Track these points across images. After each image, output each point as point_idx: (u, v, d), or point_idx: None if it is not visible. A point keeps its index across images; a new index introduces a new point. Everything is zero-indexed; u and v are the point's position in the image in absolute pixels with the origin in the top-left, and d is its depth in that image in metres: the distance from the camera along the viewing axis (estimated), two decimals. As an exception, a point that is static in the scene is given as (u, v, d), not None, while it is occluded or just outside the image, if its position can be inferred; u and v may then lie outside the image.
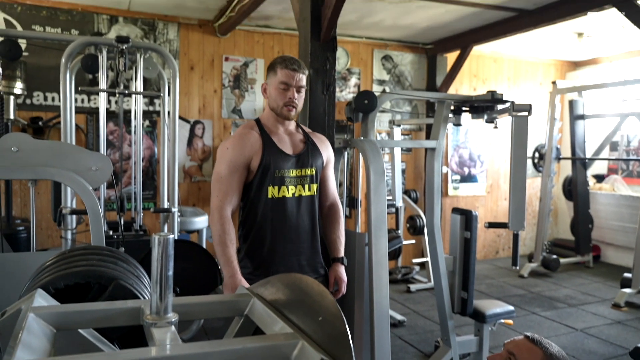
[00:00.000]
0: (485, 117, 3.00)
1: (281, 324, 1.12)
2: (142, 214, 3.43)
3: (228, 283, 1.93)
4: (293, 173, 2.04)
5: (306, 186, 2.07)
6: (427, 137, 6.20)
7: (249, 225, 2.06)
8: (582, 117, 6.04)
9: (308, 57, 2.73)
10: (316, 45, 2.73)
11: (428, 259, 5.51)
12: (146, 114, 4.78)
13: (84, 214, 2.93)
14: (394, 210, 4.96)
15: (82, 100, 4.70)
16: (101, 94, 3.30)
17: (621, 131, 6.04)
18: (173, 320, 1.09)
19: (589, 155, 6.11)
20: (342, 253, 2.19)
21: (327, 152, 2.20)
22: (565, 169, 6.53)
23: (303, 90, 2.05)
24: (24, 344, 0.88)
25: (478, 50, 6.07)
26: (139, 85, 3.33)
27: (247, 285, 1.81)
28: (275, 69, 2.01)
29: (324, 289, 1.24)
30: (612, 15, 4.42)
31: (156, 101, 4.94)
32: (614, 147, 6.42)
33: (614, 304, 4.72)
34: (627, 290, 4.76)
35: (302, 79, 2.02)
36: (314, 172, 2.10)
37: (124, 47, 3.05)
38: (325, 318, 1.07)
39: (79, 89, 3.44)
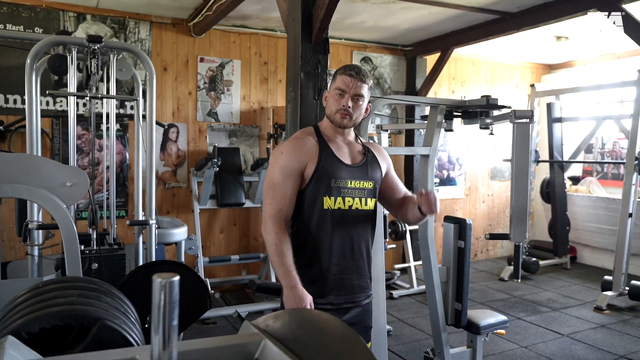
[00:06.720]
0: (479, 122, 2.90)
1: (304, 374, 0.96)
2: (115, 226, 3.19)
3: (289, 295, 1.78)
4: (351, 184, 1.93)
5: (364, 200, 1.95)
6: (407, 141, 6.12)
7: (300, 238, 1.93)
8: (559, 120, 6.07)
9: (298, 59, 2.55)
10: (307, 48, 2.56)
11: (410, 264, 5.43)
12: (116, 117, 4.52)
13: (53, 228, 2.68)
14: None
15: (47, 103, 4.41)
16: (70, 97, 3.06)
17: (596, 134, 6.09)
18: (179, 376, 0.92)
19: (566, 158, 6.15)
20: None
21: (385, 162, 2.11)
22: (543, 171, 6.57)
23: (362, 100, 1.93)
24: None
25: (456, 53, 6.01)
26: (111, 87, 3.10)
27: (310, 297, 1.77)
28: (335, 75, 1.97)
29: (352, 331, 1.08)
30: (591, 19, 4.43)
31: (127, 104, 4.68)
32: (588, 149, 6.49)
33: (596, 307, 4.73)
34: (609, 293, 4.78)
35: (361, 87, 1.90)
36: (372, 186, 1.99)
37: (96, 48, 2.82)
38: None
39: (47, 92, 3.20)
